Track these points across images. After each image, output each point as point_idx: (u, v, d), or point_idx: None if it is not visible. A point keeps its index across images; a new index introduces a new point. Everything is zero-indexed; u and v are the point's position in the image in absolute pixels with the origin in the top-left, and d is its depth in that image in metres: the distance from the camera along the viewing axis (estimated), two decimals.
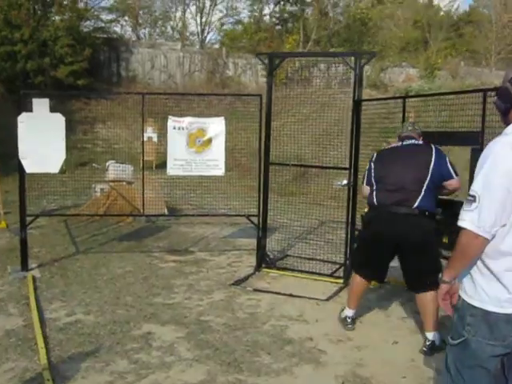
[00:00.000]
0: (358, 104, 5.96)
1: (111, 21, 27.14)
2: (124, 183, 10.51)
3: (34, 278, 6.07)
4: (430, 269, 4.41)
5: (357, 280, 4.87)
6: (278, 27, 31.38)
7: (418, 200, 4.40)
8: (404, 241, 4.45)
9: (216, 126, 6.46)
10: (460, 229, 2.39)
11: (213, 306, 5.32)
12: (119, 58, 25.01)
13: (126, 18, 30.28)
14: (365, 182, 4.88)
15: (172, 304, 5.37)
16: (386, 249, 4.57)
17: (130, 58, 25.19)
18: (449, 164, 4.54)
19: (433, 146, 4.63)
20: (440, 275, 2.80)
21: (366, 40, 31.07)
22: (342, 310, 5.01)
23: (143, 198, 6.95)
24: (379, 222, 4.59)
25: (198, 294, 5.71)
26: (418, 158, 4.57)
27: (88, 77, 21.36)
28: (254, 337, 4.60)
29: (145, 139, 15.40)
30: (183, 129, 6.38)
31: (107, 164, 11.04)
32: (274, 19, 31.49)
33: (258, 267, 6.60)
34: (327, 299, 5.60)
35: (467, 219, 2.36)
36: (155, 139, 15.91)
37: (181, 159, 6.41)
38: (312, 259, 7.01)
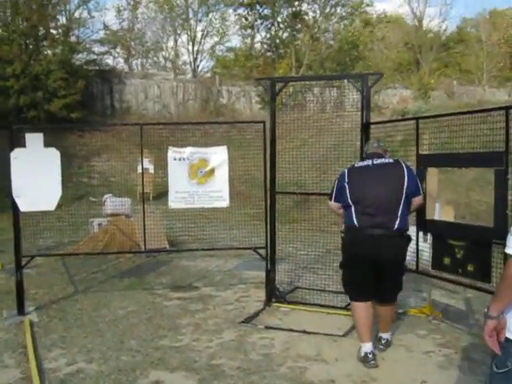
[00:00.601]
0: (366, 127, 5.70)
1: (103, 53, 27.04)
2: (123, 217, 10.22)
3: (31, 323, 5.72)
4: (398, 284, 4.81)
5: (357, 308, 4.74)
6: (270, 53, 31.37)
7: (397, 222, 4.51)
8: (384, 262, 4.58)
9: (218, 156, 6.18)
10: (507, 257, 2.17)
11: (224, 348, 4.97)
12: (112, 89, 24.91)
13: (118, 49, 30.25)
14: (333, 198, 4.88)
15: (180, 347, 5.02)
16: (370, 269, 4.64)
17: (123, 89, 25.08)
18: (418, 180, 4.72)
19: (403, 163, 4.70)
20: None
21: (359, 63, 31.10)
22: (359, 348, 4.68)
23: (144, 232, 6.64)
24: (361, 245, 4.62)
25: (206, 334, 5.36)
26: (393, 177, 4.62)
27: (82, 109, 21.20)
28: (271, 381, 4.25)
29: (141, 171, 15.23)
30: (184, 159, 6.10)
31: (104, 198, 10.74)
32: (265, 46, 31.50)
33: (267, 302, 6.26)
34: (344, 335, 5.26)
35: None
36: (151, 170, 15.67)
37: (183, 191, 6.11)
38: (323, 291, 6.69)
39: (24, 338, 5.28)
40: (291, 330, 5.39)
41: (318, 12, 30.45)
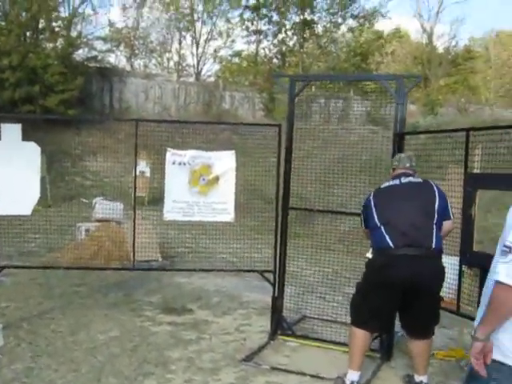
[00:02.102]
0: (400, 138, 4.87)
1: (106, 51, 26.20)
2: (113, 223, 9.37)
3: None
4: (437, 313, 4.26)
5: (359, 336, 4.23)
6: (276, 61, 30.66)
7: (434, 240, 4.00)
8: (423, 286, 4.04)
9: (224, 162, 5.33)
10: (495, 282, 2.19)
11: None
12: (112, 88, 24.13)
13: (121, 48, 29.44)
14: (363, 224, 4.44)
15: None
16: (401, 295, 4.08)
17: (124, 88, 24.32)
18: (448, 203, 4.26)
19: (432, 183, 4.30)
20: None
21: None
22: (345, 374, 4.23)
23: (134, 244, 5.83)
24: (396, 266, 4.00)
25: (200, 373, 4.49)
26: (423, 196, 4.19)
27: (79, 107, 20.35)
28: None
29: (137, 173, 14.39)
30: (185, 164, 5.26)
31: (94, 201, 9.89)
32: (271, 53, 30.77)
33: (272, 334, 5.39)
34: (366, 383, 4.40)
35: (503, 272, 2.16)
36: (148, 174, 14.90)
37: (181, 201, 5.26)
38: (334, 322, 5.86)
39: None
40: (302, 374, 4.53)
41: (328, 21, 29.78)
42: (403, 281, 3.97)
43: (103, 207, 9.38)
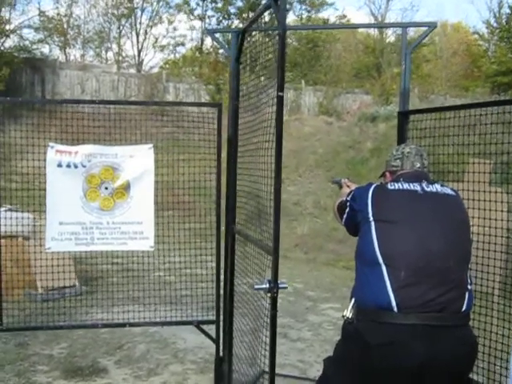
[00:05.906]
0: (404, 117, 3.26)
1: (39, 41, 24.05)
2: (20, 239, 7.48)
3: None
4: None
5: None
6: (222, 50, 29.11)
7: (466, 299, 2.33)
8: (446, 372, 2.28)
9: (138, 161, 3.57)
10: None
11: None
12: (44, 80, 22.17)
13: (55, 38, 27.14)
14: (343, 222, 2.68)
15: None
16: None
17: (57, 81, 22.40)
18: None
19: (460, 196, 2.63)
20: None
21: (318, 64, 29.43)
22: None
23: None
24: (402, 346, 2.22)
25: None
26: (459, 221, 2.45)
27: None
28: None
29: None
30: (76, 166, 3.49)
31: None
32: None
33: None
34: None
35: None
36: None
37: (74, 222, 3.50)
38: (306, 379, 4.27)
39: None
40: None
41: None
42: (413, 369, 2.25)
43: (9, 219, 7.47)
